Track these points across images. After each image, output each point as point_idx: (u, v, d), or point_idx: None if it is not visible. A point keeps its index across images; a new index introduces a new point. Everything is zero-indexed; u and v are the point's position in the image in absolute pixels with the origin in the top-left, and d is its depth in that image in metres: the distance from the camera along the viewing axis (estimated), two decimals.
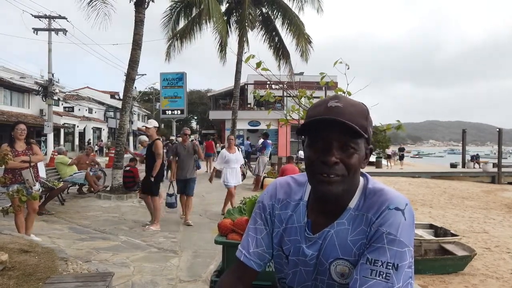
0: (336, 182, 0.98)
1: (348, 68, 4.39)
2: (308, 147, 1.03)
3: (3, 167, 4.46)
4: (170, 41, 16.40)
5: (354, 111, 0.99)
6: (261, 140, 13.54)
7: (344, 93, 4.53)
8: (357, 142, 0.99)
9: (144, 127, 7.16)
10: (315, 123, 0.98)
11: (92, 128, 38.94)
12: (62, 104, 34.73)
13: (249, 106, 30.71)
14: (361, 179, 1.08)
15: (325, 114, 0.98)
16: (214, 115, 30.89)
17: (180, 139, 14.38)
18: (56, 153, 12.62)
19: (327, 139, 0.98)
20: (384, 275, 0.92)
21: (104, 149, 33.12)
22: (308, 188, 1.13)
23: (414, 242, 1.05)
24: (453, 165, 26.28)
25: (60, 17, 23.42)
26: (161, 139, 6.97)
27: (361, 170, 1.06)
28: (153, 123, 6.76)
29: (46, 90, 24.05)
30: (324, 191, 0.99)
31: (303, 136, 1.07)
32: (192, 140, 7.57)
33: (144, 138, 10.13)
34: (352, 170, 0.99)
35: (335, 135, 0.97)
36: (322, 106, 1.01)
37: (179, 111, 28.34)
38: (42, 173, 7.23)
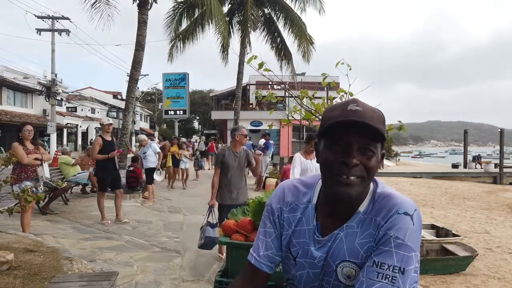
0: (355, 184, 0.99)
1: (350, 69, 4.42)
2: (326, 148, 1.03)
3: (10, 166, 4.55)
4: (173, 42, 16.46)
5: (374, 115, 1.00)
6: (263, 141, 13.57)
7: (346, 93, 4.56)
8: (376, 145, 1.00)
9: (110, 124, 6.82)
10: (336, 125, 0.99)
11: (95, 128, 38.98)
12: (65, 104, 34.86)
13: (251, 106, 30.74)
14: (371, 183, 1.08)
15: (345, 117, 0.98)
16: (216, 115, 30.94)
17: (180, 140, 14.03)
18: (59, 153, 12.67)
19: (347, 141, 0.99)
20: (390, 278, 0.94)
21: None
22: (316, 190, 1.14)
23: None
24: (454, 166, 26.22)
25: (63, 17, 23.53)
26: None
27: None
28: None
29: (49, 90, 24.14)
30: (342, 193, 1.00)
31: (316, 139, 1.08)
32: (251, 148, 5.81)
33: (143, 137, 10.12)
34: (372, 172, 1.00)
35: (356, 138, 0.98)
36: (340, 109, 1.02)
37: (181, 111, 28.40)
38: (46, 173, 7.29)
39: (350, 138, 0.98)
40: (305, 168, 5.18)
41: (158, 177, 9.09)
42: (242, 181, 4.78)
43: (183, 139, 14.56)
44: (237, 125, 5.09)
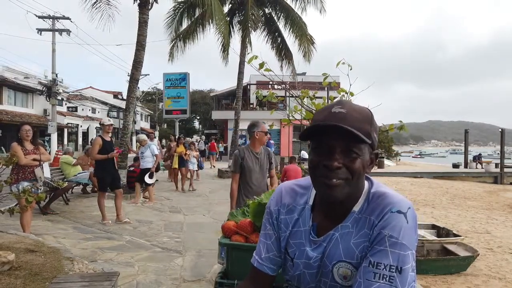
0: (339, 186, 0.99)
1: (350, 69, 4.42)
2: (312, 151, 1.05)
3: (11, 166, 4.56)
4: (174, 42, 16.45)
5: (358, 117, 1.00)
6: None
7: (347, 93, 4.56)
8: (360, 147, 1.00)
9: (110, 124, 6.90)
10: (317, 129, 1.00)
11: (95, 128, 39.00)
12: (65, 104, 34.91)
13: (251, 106, 30.75)
14: (366, 183, 1.09)
15: (328, 119, 0.99)
16: (216, 115, 30.95)
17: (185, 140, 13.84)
18: (60, 153, 12.67)
19: (329, 144, 0.99)
20: (388, 278, 0.93)
21: None
22: (313, 192, 1.15)
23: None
24: (455, 165, 26.21)
25: (64, 17, 23.55)
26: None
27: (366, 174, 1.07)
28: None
29: (50, 90, 24.17)
30: (326, 195, 1.01)
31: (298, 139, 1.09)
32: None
33: (143, 137, 10.10)
34: (356, 174, 1.00)
35: (338, 140, 0.98)
36: (326, 112, 1.02)
37: (182, 111, 28.44)
38: (47, 173, 7.30)
39: (333, 141, 0.99)
40: None
41: (149, 180, 8.97)
42: (265, 187, 4.06)
43: (188, 139, 14.14)
44: (256, 121, 4.19)
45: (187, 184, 11.70)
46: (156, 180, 9.74)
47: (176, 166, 11.51)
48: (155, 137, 13.06)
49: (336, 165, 0.98)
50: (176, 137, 13.02)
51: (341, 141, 0.98)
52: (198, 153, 13.13)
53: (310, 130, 1.01)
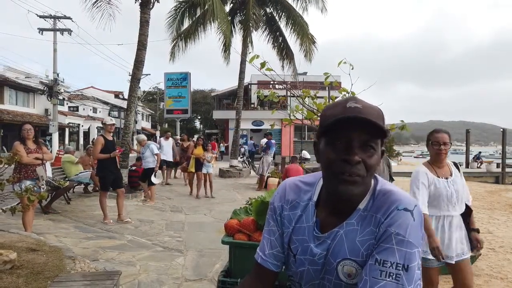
0: (357, 182, 0.98)
1: (352, 69, 4.41)
2: (327, 146, 1.02)
3: (13, 165, 4.57)
4: (175, 41, 16.46)
5: (373, 112, 0.99)
6: (265, 140, 13.57)
7: (348, 93, 4.55)
8: (377, 142, 1.00)
9: (112, 124, 6.90)
10: (337, 123, 0.97)
11: (96, 128, 39.05)
12: (67, 103, 34.97)
13: (252, 106, 30.75)
14: (372, 180, 1.08)
15: (345, 114, 0.97)
16: (217, 114, 30.96)
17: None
18: (61, 153, 12.66)
19: (348, 138, 0.98)
20: (394, 276, 0.92)
21: None
22: (317, 189, 1.15)
23: None
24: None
25: (65, 17, 23.57)
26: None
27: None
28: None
29: (51, 89, 24.20)
30: (345, 191, 0.99)
31: (316, 139, 1.07)
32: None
33: (142, 137, 10.09)
34: (371, 170, 1.00)
35: (356, 134, 0.97)
36: (340, 107, 1.01)
37: (183, 111, 28.49)
38: (49, 172, 7.31)
39: (351, 135, 0.98)
40: (438, 193, 3.11)
41: (155, 179, 8.98)
42: None
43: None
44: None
45: (202, 189, 10.37)
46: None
47: (193, 169, 10.19)
48: (170, 136, 12.77)
49: (356, 159, 0.97)
50: (193, 137, 12.45)
51: (359, 135, 0.98)
52: (214, 154, 11.90)
53: (331, 123, 0.98)
